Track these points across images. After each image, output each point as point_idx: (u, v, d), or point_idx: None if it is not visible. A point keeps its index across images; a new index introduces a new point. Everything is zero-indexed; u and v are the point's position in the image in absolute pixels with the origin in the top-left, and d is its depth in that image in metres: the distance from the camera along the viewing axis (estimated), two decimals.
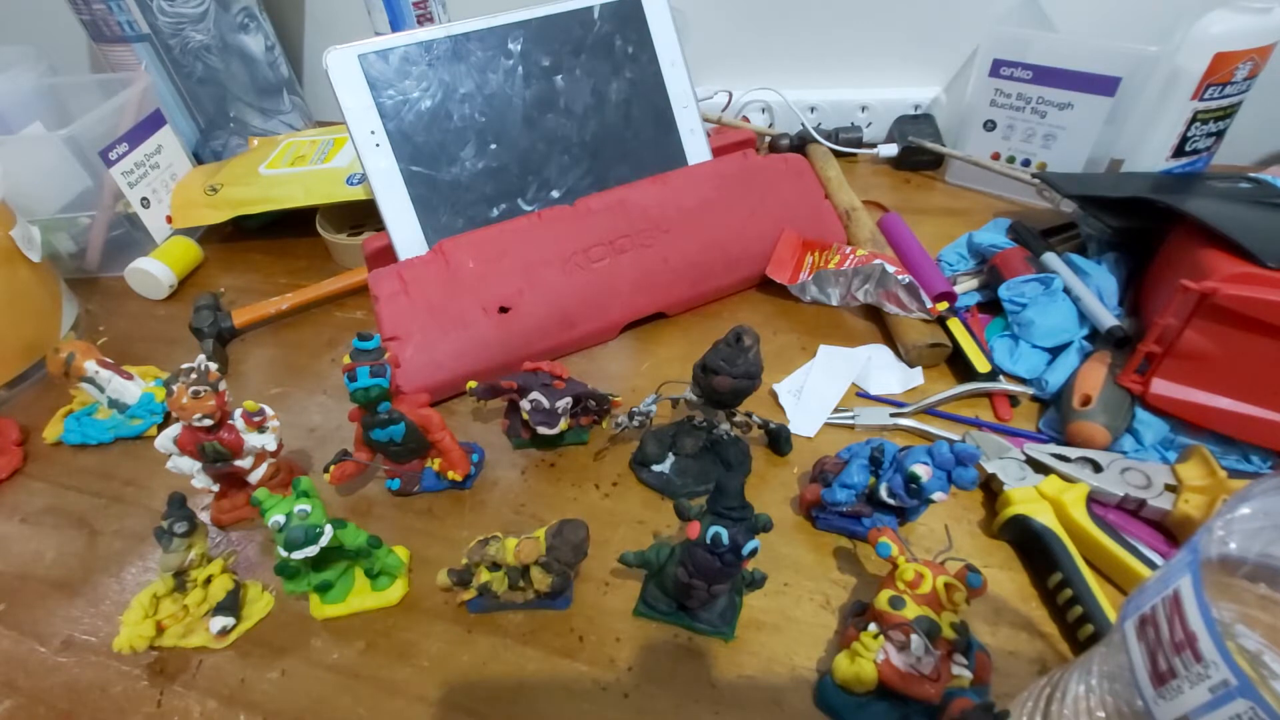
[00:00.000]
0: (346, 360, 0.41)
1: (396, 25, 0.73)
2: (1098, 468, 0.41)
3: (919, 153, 0.74)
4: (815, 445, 0.48)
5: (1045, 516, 0.39)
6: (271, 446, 0.45)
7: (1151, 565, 0.36)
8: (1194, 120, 0.60)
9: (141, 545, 0.46)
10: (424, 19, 0.74)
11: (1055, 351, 0.50)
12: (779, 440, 0.46)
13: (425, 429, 0.44)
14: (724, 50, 0.82)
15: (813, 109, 0.81)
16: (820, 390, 0.51)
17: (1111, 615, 0.35)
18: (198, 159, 0.84)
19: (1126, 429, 0.44)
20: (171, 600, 0.39)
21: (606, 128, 0.60)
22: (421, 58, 0.54)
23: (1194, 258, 0.43)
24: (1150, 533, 0.40)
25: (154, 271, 0.67)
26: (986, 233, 0.60)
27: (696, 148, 0.63)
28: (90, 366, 0.52)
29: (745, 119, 0.82)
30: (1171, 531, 0.40)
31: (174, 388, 0.44)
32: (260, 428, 0.44)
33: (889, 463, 0.39)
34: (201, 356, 0.43)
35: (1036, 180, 0.64)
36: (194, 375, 0.43)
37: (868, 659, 0.32)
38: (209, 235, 0.77)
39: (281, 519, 0.36)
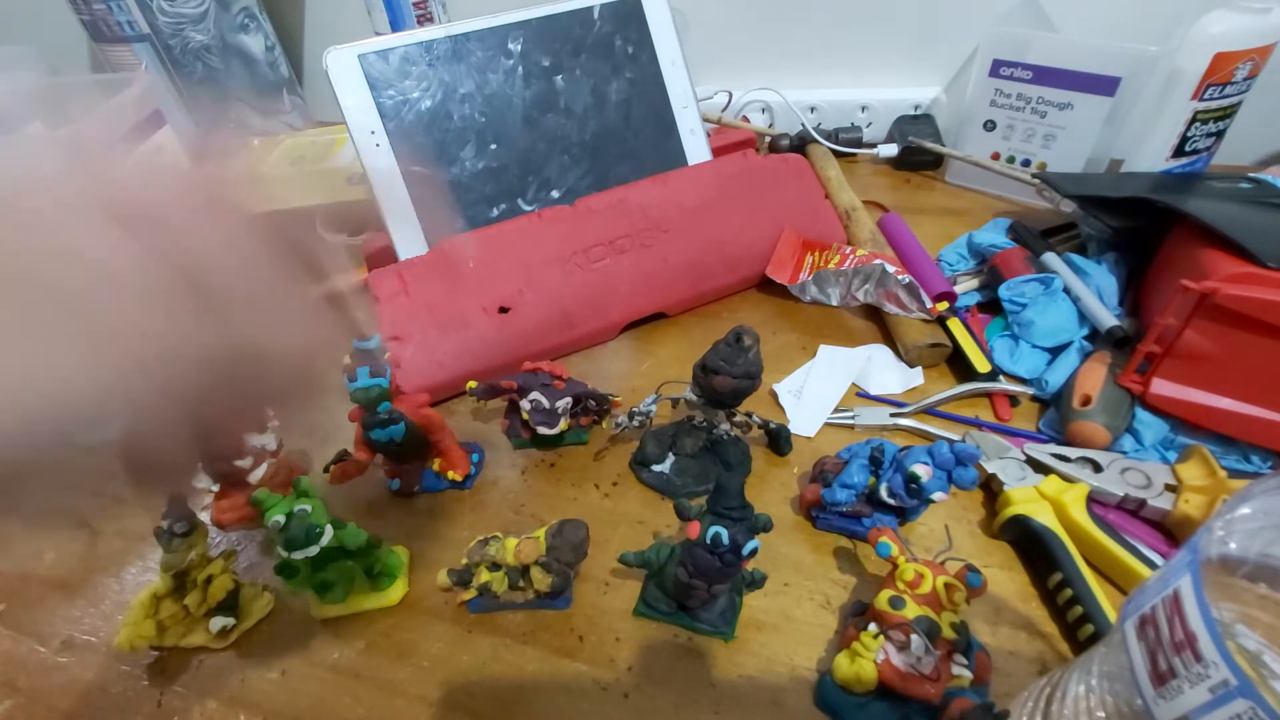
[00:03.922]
0: (346, 360, 0.41)
1: (396, 25, 0.73)
2: (1098, 468, 0.41)
3: (919, 153, 0.74)
4: (815, 445, 0.48)
5: (1045, 516, 0.39)
6: (271, 446, 0.45)
7: (1151, 565, 0.36)
8: (1194, 120, 0.60)
9: (141, 545, 0.46)
10: (424, 19, 0.74)
11: (1055, 351, 0.50)
12: (779, 440, 0.46)
13: (425, 429, 0.44)
14: (724, 50, 0.82)
15: (813, 109, 0.81)
16: (820, 390, 0.51)
17: (1111, 615, 0.34)
18: None
19: (1126, 429, 0.44)
20: (171, 600, 0.39)
21: (606, 128, 0.60)
22: (421, 58, 0.54)
23: (1194, 258, 0.43)
24: (1150, 533, 0.40)
25: None
26: (986, 233, 0.60)
27: (696, 148, 0.63)
28: None
29: (745, 119, 0.82)
30: (1171, 531, 0.40)
31: None
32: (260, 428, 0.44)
33: (889, 463, 0.39)
34: None
35: (1036, 180, 0.64)
36: None
37: (868, 659, 0.32)
38: None
39: (281, 519, 0.36)
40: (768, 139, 0.78)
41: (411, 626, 0.40)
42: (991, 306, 0.56)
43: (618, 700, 0.36)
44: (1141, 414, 0.44)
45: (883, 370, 0.52)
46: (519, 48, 0.56)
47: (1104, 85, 0.60)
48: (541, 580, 0.37)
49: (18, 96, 0.75)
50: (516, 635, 0.39)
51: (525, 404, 0.45)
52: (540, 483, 0.47)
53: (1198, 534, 0.24)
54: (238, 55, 0.81)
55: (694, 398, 0.44)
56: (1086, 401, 0.44)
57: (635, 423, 0.47)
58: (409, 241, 0.55)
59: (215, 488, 0.45)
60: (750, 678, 0.36)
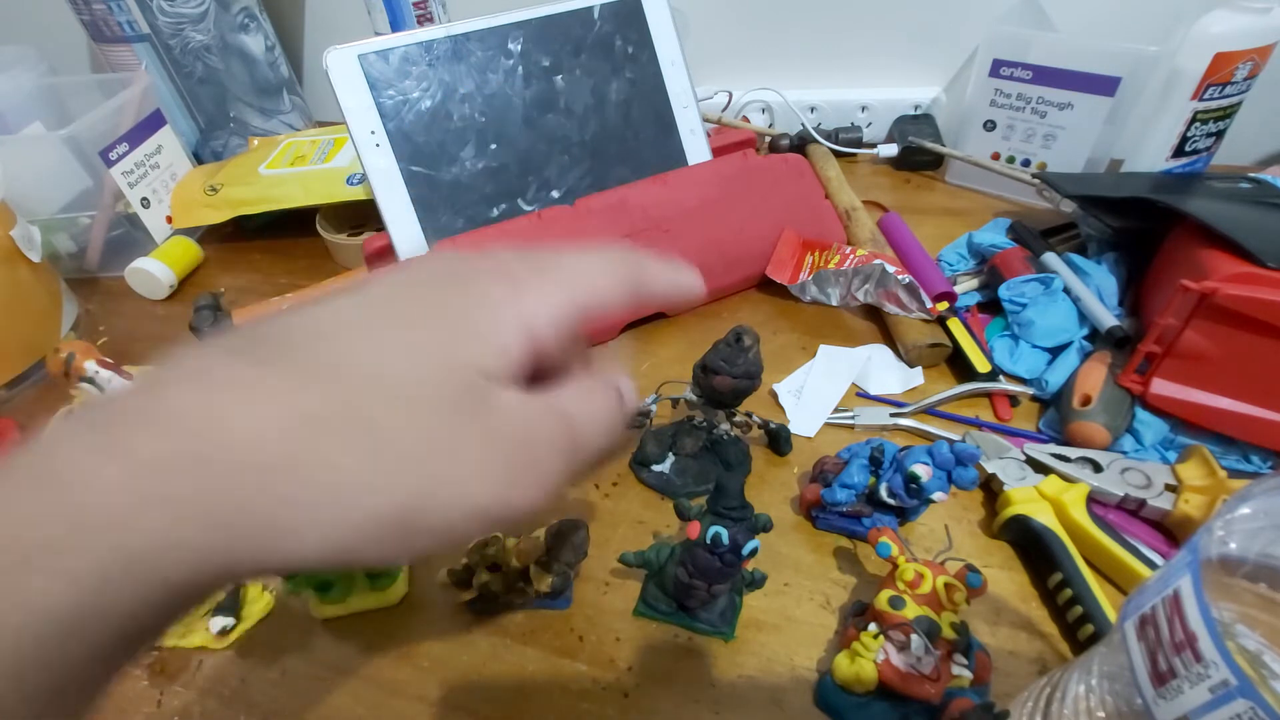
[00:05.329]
0: None
1: (396, 25, 0.73)
2: (1098, 468, 0.41)
3: (919, 153, 0.74)
4: (815, 445, 0.48)
5: (1045, 516, 0.39)
6: None
7: (1151, 565, 0.36)
8: (1194, 120, 0.60)
9: None
10: (424, 19, 0.74)
11: (1055, 351, 0.50)
12: (779, 440, 0.46)
13: None
14: (724, 50, 0.82)
15: (813, 109, 0.81)
16: (820, 390, 0.51)
17: (1111, 615, 0.35)
18: (198, 159, 0.84)
19: (1126, 429, 0.44)
20: None
21: (606, 128, 0.60)
22: (421, 58, 0.54)
23: (1194, 258, 0.43)
24: (1150, 533, 0.40)
25: (154, 271, 0.67)
26: (986, 233, 0.60)
27: (696, 148, 0.63)
28: (90, 366, 0.52)
29: (745, 119, 0.82)
30: (1171, 531, 0.40)
31: None
32: None
33: (889, 463, 0.39)
34: None
35: (1036, 180, 0.64)
36: None
37: (868, 659, 0.32)
38: (209, 235, 0.77)
39: None
40: (768, 139, 0.78)
41: (411, 626, 0.40)
42: (991, 306, 0.56)
43: (618, 700, 0.36)
44: (1141, 414, 0.44)
45: (883, 370, 0.52)
46: (519, 48, 0.56)
47: (1104, 85, 0.60)
48: (541, 580, 0.37)
49: (18, 96, 0.75)
50: (516, 635, 0.39)
51: None
52: None
53: (1198, 534, 0.24)
54: (238, 55, 0.81)
55: (694, 398, 0.44)
56: (1086, 401, 0.44)
57: (635, 423, 0.47)
58: (409, 241, 0.55)
59: None
60: (750, 678, 0.36)
